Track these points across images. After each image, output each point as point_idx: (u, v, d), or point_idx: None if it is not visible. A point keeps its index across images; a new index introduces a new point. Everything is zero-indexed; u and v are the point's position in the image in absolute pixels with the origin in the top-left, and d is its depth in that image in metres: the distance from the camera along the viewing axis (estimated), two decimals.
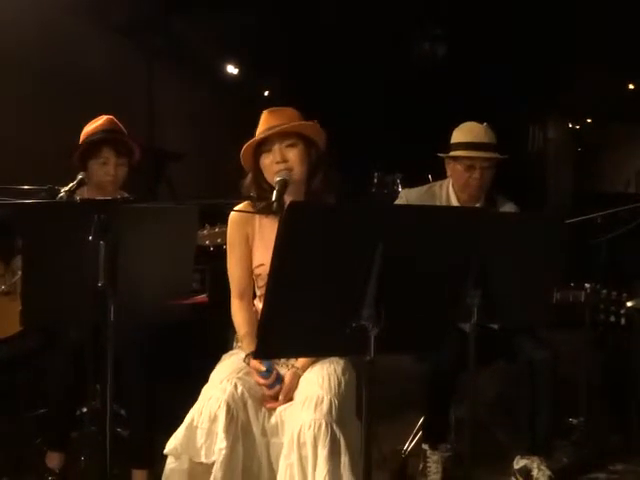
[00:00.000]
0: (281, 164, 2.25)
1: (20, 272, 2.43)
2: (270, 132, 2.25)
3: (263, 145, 2.29)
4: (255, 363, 2.24)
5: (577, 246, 2.44)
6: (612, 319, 2.77)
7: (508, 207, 2.89)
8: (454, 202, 2.90)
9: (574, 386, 3.29)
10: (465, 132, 2.87)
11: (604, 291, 2.82)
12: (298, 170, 2.28)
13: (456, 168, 2.86)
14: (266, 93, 7.03)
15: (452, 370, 2.63)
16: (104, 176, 2.81)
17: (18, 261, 2.82)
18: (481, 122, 2.89)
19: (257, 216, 2.36)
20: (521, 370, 2.80)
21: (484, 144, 2.82)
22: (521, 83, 7.69)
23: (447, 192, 2.93)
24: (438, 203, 2.87)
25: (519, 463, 2.85)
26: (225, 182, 2.57)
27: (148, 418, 2.70)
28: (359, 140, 6.32)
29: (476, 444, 2.12)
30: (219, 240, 2.47)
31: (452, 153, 2.86)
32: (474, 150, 2.80)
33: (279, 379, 2.24)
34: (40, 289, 1.90)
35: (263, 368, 2.22)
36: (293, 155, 2.27)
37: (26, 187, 2.85)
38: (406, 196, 2.97)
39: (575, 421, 3.28)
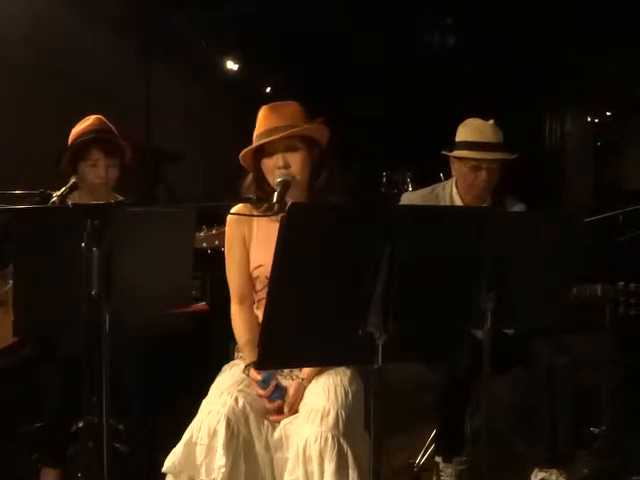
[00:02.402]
0: (283, 170, 2.19)
1: (12, 280, 2.36)
2: (270, 139, 2.19)
3: (264, 149, 2.22)
4: (253, 373, 2.19)
5: (596, 246, 2.35)
6: (632, 312, 2.68)
7: (518, 208, 2.81)
8: (458, 203, 2.83)
9: (595, 393, 3.23)
10: (470, 130, 2.78)
11: (621, 283, 2.76)
12: (300, 173, 2.22)
13: (461, 169, 2.78)
14: (268, 89, 6.92)
15: (466, 378, 2.57)
16: (95, 178, 2.75)
17: (11, 269, 2.75)
18: (492, 117, 2.81)
19: None
20: (539, 377, 2.72)
21: (491, 144, 2.73)
22: (537, 74, 7.54)
23: (451, 193, 2.86)
24: (442, 204, 2.79)
25: (538, 476, 2.78)
26: (224, 182, 2.49)
27: (148, 434, 2.65)
28: (366, 138, 6.21)
29: (492, 456, 2.08)
30: (217, 242, 2.41)
31: (457, 153, 2.78)
32: (480, 151, 2.72)
33: (280, 391, 2.18)
34: (32, 297, 1.85)
35: (260, 377, 2.16)
36: (295, 160, 2.21)
37: (18, 192, 2.78)
38: (408, 199, 2.91)
39: (597, 430, 3.21)
